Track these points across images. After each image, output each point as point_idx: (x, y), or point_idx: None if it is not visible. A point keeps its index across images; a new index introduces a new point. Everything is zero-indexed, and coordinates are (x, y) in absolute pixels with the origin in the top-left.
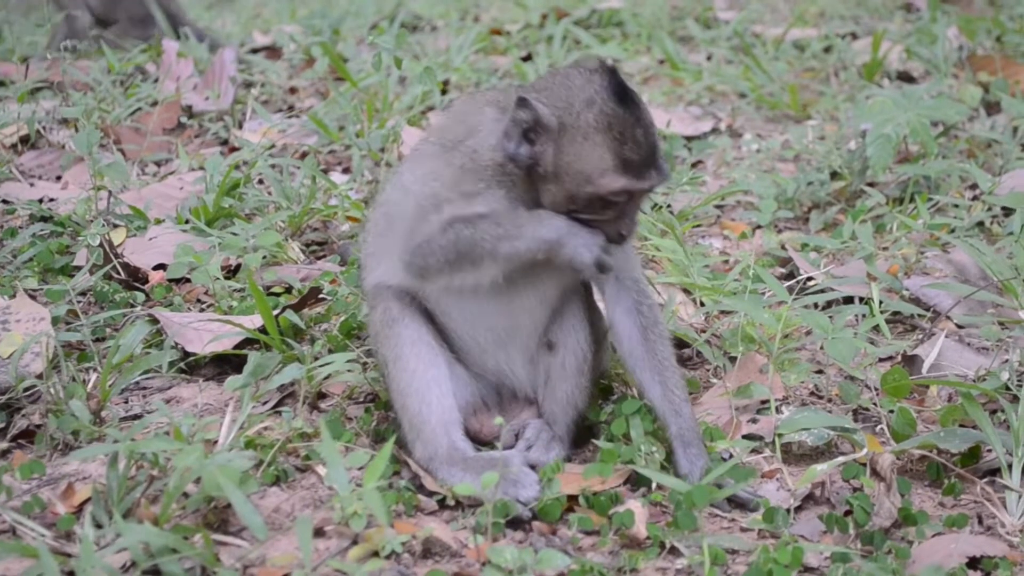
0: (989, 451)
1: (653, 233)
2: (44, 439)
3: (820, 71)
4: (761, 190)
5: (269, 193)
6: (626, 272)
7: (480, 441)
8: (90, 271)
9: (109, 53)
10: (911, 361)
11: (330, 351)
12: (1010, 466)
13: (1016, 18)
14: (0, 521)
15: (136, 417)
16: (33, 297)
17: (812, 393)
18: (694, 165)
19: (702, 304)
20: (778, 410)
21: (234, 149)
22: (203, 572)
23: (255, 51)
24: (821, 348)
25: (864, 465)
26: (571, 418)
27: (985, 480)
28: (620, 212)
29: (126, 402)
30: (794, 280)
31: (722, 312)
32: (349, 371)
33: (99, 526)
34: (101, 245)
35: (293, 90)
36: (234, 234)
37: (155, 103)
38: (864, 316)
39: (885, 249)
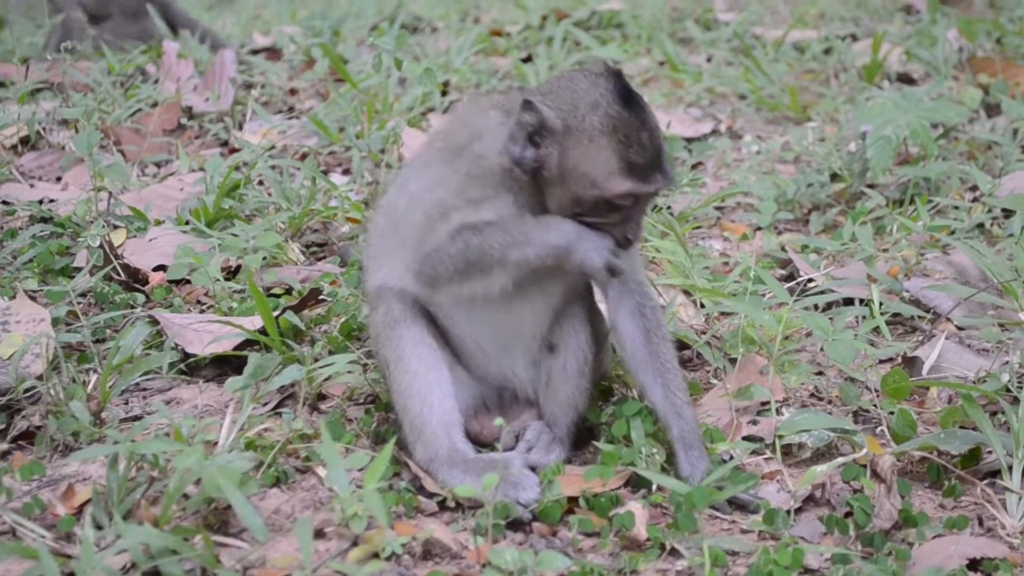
0: (989, 453)
1: (653, 235)
2: (44, 440)
3: (820, 73)
4: (761, 192)
5: (269, 194)
6: (630, 274)
7: (480, 443)
8: (90, 272)
9: (109, 54)
10: (911, 363)
11: (330, 352)
12: (1010, 468)
13: (1016, 20)
14: (0, 522)
15: (136, 418)
16: (33, 298)
17: (812, 395)
18: (694, 167)
19: (702, 306)
20: (778, 412)
21: (234, 150)
22: (203, 573)
23: (255, 52)
24: (821, 350)
25: (864, 467)
26: (572, 420)
27: (985, 482)
28: (625, 216)
29: (126, 403)
30: (794, 282)
31: (722, 314)
32: (349, 372)
33: (99, 527)
34: (101, 246)
35: (293, 91)
36: (234, 235)
37: (155, 104)
38: (864, 318)
39: (885, 251)
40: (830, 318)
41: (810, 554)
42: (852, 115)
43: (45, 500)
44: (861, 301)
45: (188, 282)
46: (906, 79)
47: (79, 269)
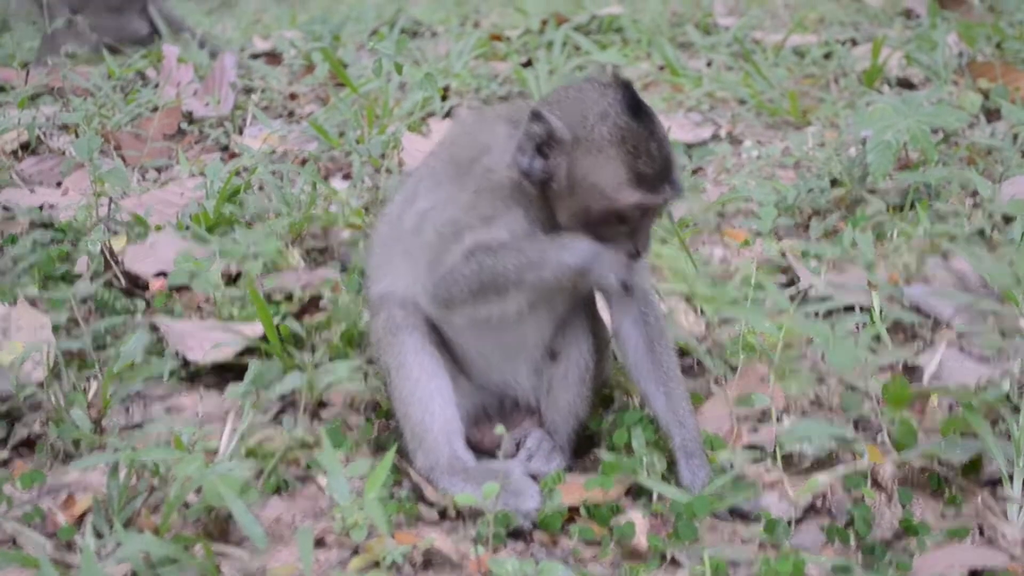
0: (990, 462)
1: (654, 241)
2: (45, 448)
3: (820, 77)
4: (761, 197)
5: (269, 199)
6: (635, 283)
7: (481, 451)
8: (91, 278)
9: (109, 59)
10: (912, 370)
11: (331, 359)
12: (1011, 476)
13: (1016, 24)
14: (0, 531)
15: (137, 426)
16: (33, 304)
17: (813, 402)
18: (694, 172)
19: (703, 312)
20: (779, 420)
21: (234, 155)
22: None
23: (255, 56)
24: (822, 357)
25: (865, 475)
26: (572, 428)
27: (986, 491)
28: (634, 227)
29: (127, 411)
30: (795, 288)
31: (723, 321)
32: (350, 380)
33: (100, 536)
34: (102, 252)
35: (293, 96)
36: (235, 241)
37: (155, 109)
38: (865, 325)
39: (886, 257)
40: (831, 325)
41: (811, 563)
42: (852, 120)
43: (45, 508)
44: (862, 308)
45: (189, 288)
46: (906, 84)
47: (79, 275)
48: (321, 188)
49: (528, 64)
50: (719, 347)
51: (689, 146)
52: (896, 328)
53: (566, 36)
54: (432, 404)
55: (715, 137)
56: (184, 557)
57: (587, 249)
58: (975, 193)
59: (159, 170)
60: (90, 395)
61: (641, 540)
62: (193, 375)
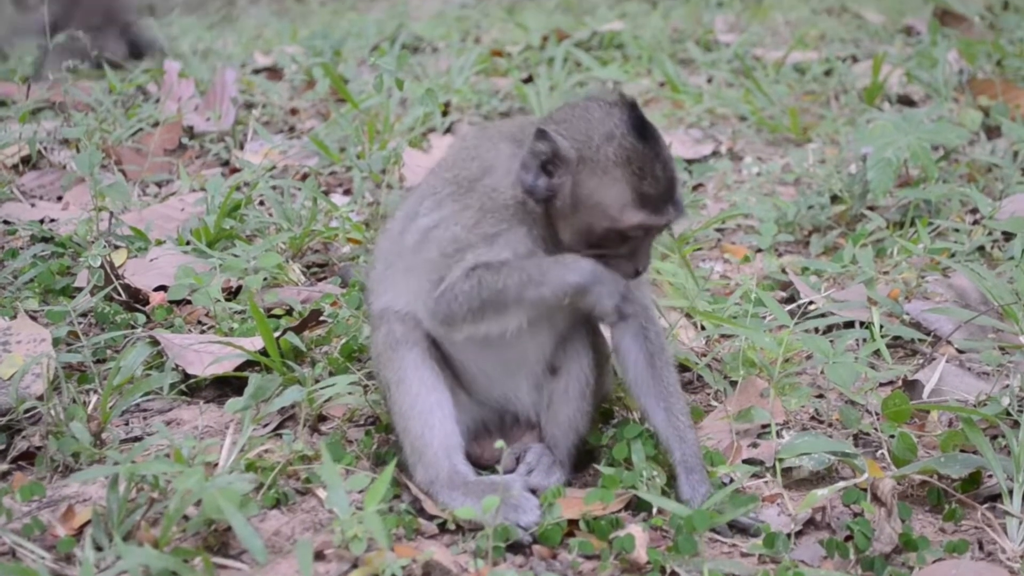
0: (990, 477)
1: (653, 256)
2: (44, 461)
3: (821, 94)
4: (762, 213)
5: (270, 214)
6: (635, 298)
7: (481, 465)
8: (91, 292)
9: (110, 74)
10: (912, 386)
11: (331, 373)
12: (1011, 492)
13: (1016, 42)
14: (0, 543)
15: (136, 439)
16: (34, 318)
17: (813, 418)
18: (695, 188)
19: (703, 328)
20: (779, 434)
21: (235, 170)
22: None
23: (256, 72)
24: (822, 372)
25: (865, 490)
26: (572, 442)
27: (986, 506)
28: (635, 246)
29: (127, 424)
30: (795, 304)
31: (723, 336)
32: (350, 394)
33: (99, 548)
34: (102, 266)
35: (294, 111)
36: (235, 255)
37: (156, 124)
38: (865, 340)
39: (886, 273)
40: (831, 341)
41: None
42: (852, 137)
43: (45, 521)
44: (862, 324)
45: (189, 302)
46: (906, 101)
47: (80, 289)
48: (322, 203)
49: (529, 80)
50: (719, 362)
51: (690, 162)
52: (896, 344)
53: (567, 52)
54: (432, 418)
55: (716, 153)
56: (184, 570)
57: (588, 269)
58: (975, 210)
59: (160, 185)
60: (90, 408)
61: (641, 554)
62: (193, 389)
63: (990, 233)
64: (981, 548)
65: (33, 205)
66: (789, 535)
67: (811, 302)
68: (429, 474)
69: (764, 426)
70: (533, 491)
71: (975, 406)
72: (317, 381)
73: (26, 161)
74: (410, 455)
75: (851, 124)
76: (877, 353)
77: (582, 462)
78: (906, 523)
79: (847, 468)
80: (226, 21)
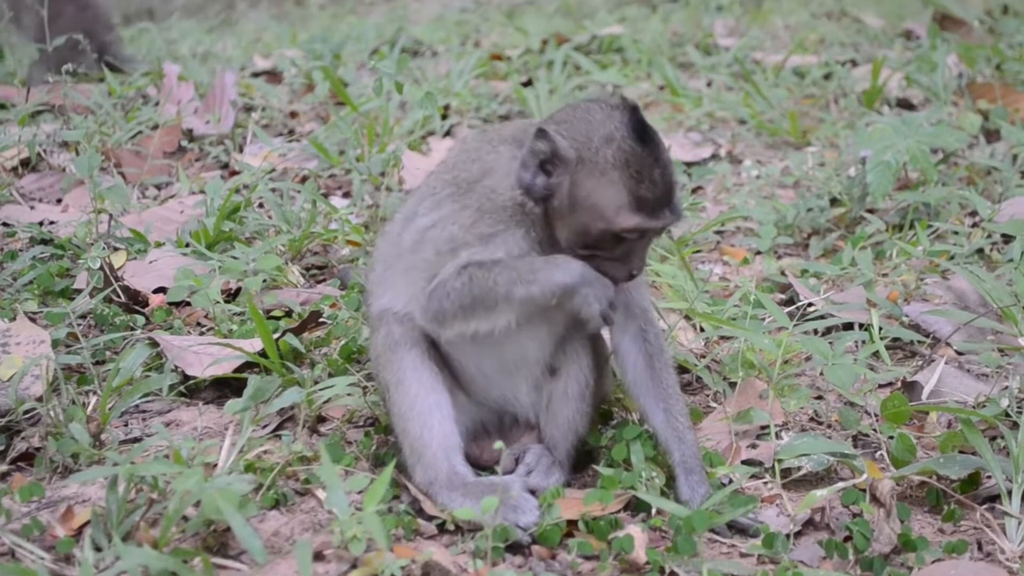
0: (989, 477)
1: (653, 258)
2: (44, 462)
3: (820, 98)
4: (761, 216)
5: (269, 217)
6: (634, 300)
7: (480, 466)
8: (90, 294)
9: (110, 77)
10: (911, 387)
11: (330, 375)
12: (1010, 492)
13: (1015, 46)
14: (0, 543)
15: (136, 440)
16: (33, 320)
17: (812, 419)
18: (694, 191)
19: (702, 329)
20: (778, 436)
21: (234, 173)
22: None
23: (256, 75)
24: (821, 374)
25: (864, 491)
26: (572, 443)
27: (985, 506)
28: (630, 248)
29: (126, 425)
30: (794, 306)
31: (722, 337)
32: (349, 395)
33: (98, 549)
34: (101, 268)
35: (294, 114)
36: (234, 257)
37: (156, 126)
38: (864, 342)
39: (885, 275)
40: (830, 343)
41: None
42: (852, 140)
43: (44, 521)
44: (861, 326)
45: (188, 304)
46: (906, 104)
47: (79, 291)
48: (321, 206)
49: (528, 84)
50: (718, 364)
51: (689, 165)
52: (895, 346)
53: (566, 56)
54: (431, 419)
55: (715, 156)
56: (183, 571)
57: (578, 271)
58: (974, 213)
59: (159, 187)
60: (89, 409)
61: (640, 554)
62: (192, 390)
63: (989, 236)
64: (980, 549)
65: (32, 207)
66: (788, 536)
67: (810, 304)
68: (428, 475)
69: (763, 427)
70: (532, 492)
71: (974, 407)
72: (316, 382)
73: (25, 164)
74: (409, 456)
75: (850, 127)
76: (876, 355)
77: (581, 463)
78: (905, 524)
79: (846, 469)
80: (225, 25)
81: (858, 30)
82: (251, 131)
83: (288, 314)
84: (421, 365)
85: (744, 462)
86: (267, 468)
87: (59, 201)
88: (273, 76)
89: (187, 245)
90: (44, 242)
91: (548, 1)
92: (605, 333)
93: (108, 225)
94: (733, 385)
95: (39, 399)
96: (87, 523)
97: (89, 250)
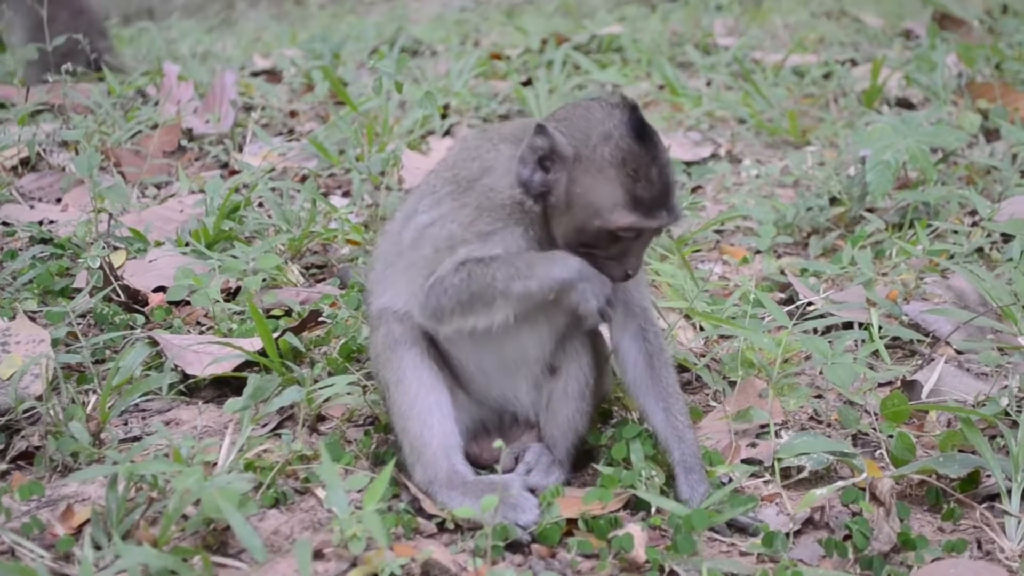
0: (988, 476)
1: (653, 258)
2: (43, 460)
3: (819, 97)
4: (760, 215)
5: (269, 216)
6: (634, 299)
7: (480, 465)
8: (90, 293)
9: (110, 76)
10: (910, 386)
11: (330, 374)
12: (1009, 491)
13: (1015, 46)
14: None
15: (135, 439)
16: (33, 319)
17: (811, 418)
18: (694, 190)
19: (702, 328)
20: (777, 435)
21: (234, 172)
22: None
23: (255, 74)
24: (820, 373)
25: (863, 490)
26: (571, 442)
27: (984, 505)
28: (627, 248)
29: (125, 424)
30: (793, 305)
31: (722, 337)
32: (349, 394)
33: (98, 548)
34: (101, 267)
35: (293, 113)
36: (234, 257)
37: (155, 126)
38: (863, 341)
39: (884, 275)
40: (829, 342)
41: None
42: (851, 139)
43: (44, 520)
44: (860, 325)
45: (188, 303)
46: (905, 104)
47: (79, 290)
48: (321, 205)
49: (528, 83)
50: (718, 363)
51: (688, 164)
52: (895, 345)
53: (566, 55)
54: (431, 418)
55: (714, 156)
56: (182, 569)
57: (575, 266)
58: (974, 212)
59: (159, 187)
60: (89, 408)
61: (639, 553)
62: (192, 389)
63: (989, 235)
64: (980, 547)
65: (32, 207)
66: (788, 534)
67: (810, 303)
68: (428, 474)
69: (763, 426)
70: (532, 490)
71: (974, 406)
72: (316, 381)
73: (25, 163)
74: (409, 455)
75: (850, 127)
76: (876, 354)
77: (581, 462)
78: (905, 522)
79: (846, 468)
80: (225, 24)
81: (858, 29)
82: (251, 130)
83: (288, 313)
84: (421, 364)
85: (744, 461)
86: (267, 467)
87: (59, 200)
88: (273, 75)
89: (187, 244)
90: (44, 241)
91: (547, 0)
92: (605, 332)
93: (108, 224)
94: (733, 384)
95: (39, 398)
96: (87, 522)
97: (89, 249)
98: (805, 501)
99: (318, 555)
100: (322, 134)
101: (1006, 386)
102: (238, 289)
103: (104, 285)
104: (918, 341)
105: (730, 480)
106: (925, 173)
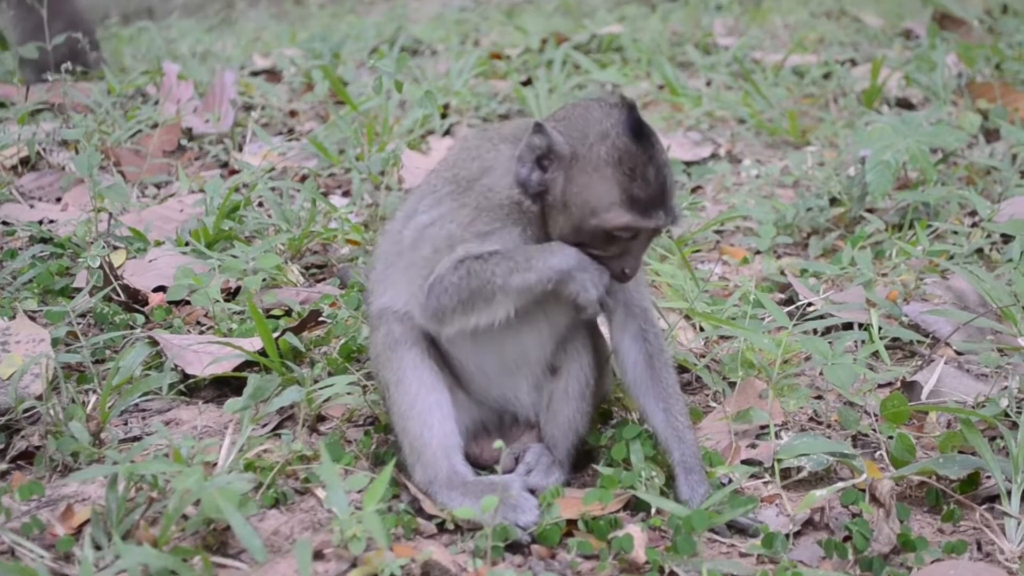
0: (988, 478)
1: (653, 258)
2: (43, 460)
3: (819, 97)
4: (760, 215)
5: (269, 216)
6: (634, 299)
7: (480, 465)
8: (90, 293)
9: (110, 75)
10: (910, 387)
11: (330, 374)
12: (1009, 493)
13: (1015, 46)
14: None
15: (135, 439)
16: (33, 318)
17: (811, 419)
18: (693, 190)
19: (702, 329)
20: (777, 435)
21: (234, 172)
22: None
23: (255, 74)
24: (820, 374)
25: (863, 491)
26: (572, 442)
27: (984, 507)
28: (625, 249)
29: (125, 424)
30: (793, 306)
31: (722, 337)
32: (349, 394)
33: (98, 548)
34: (101, 267)
35: (293, 113)
36: (234, 256)
37: (155, 125)
38: (863, 342)
39: (884, 275)
40: (829, 342)
41: None
42: (851, 140)
43: (44, 520)
44: (860, 325)
45: (188, 303)
46: (905, 104)
47: (79, 289)
48: (321, 205)
49: (528, 83)
50: (718, 363)
51: (688, 164)
52: (894, 345)
53: (566, 55)
54: (431, 418)
55: (714, 156)
56: (182, 569)
57: (572, 256)
58: (974, 212)
59: (159, 186)
60: (89, 408)
61: (639, 554)
62: (192, 389)
63: (988, 235)
64: (979, 549)
65: (32, 206)
66: (788, 535)
67: (810, 304)
68: (428, 474)
69: (763, 427)
70: (532, 491)
71: (973, 407)
72: (316, 381)
73: (25, 162)
74: (409, 455)
75: (850, 127)
76: (876, 354)
77: (581, 462)
78: (904, 524)
79: (846, 469)
80: (225, 24)
81: (857, 29)
82: (251, 130)
83: (288, 313)
84: (421, 364)
85: (744, 462)
86: (267, 467)
87: (59, 200)
88: (272, 75)
89: (187, 244)
90: (44, 241)
91: (547, 0)
92: (605, 332)
93: (108, 224)
94: (733, 385)
95: (39, 398)
96: (87, 522)
97: (89, 249)
98: (805, 502)
99: (318, 555)
100: (322, 134)
101: (1006, 387)
102: (238, 289)
103: (104, 285)
104: (918, 342)
105: (730, 481)
106: (925, 173)
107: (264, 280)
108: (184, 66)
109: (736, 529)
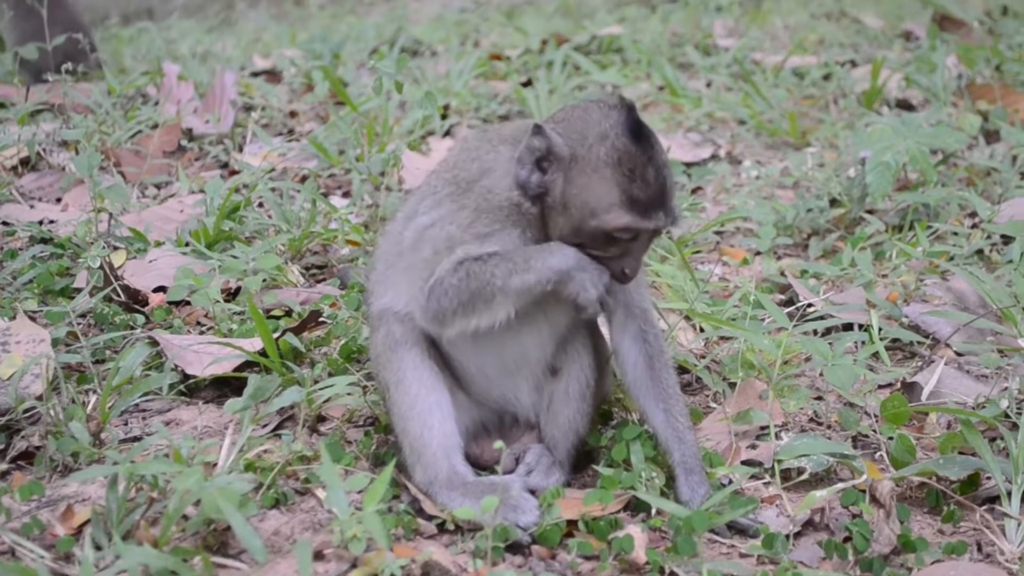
0: (988, 479)
1: (653, 259)
2: (44, 460)
3: (819, 98)
4: (760, 216)
5: (269, 216)
6: (634, 300)
7: (480, 466)
8: (90, 293)
9: (110, 76)
10: (910, 388)
11: (330, 374)
12: (1009, 494)
13: (1015, 47)
14: (0, 542)
15: (136, 439)
16: (33, 319)
17: (811, 419)
18: (693, 191)
19: (702, 330)
20: (777, 436)
21: (234, 172)
22: None
23: (255, 74)
24: (820, 375)
25: (863, 492)
26: (572, 443)
27: (984, 508)
28: (625, 250)
29: (126, 424)
30: (794, 307)
31: (722, 338)
32: (349, 394)
33: (98, 548)
34: (101, 267)
35: (293, 114)
36: (234, 257)
37: (155, 126)
38: (863, 343)
39: (884, 276)
40: (829, 343)
41: None
42: (851, 141)
43: (44, 520)
44: (860, 326)
45: (188, 303)
46: (905, 105)
47: (79, 290)
48: (321, 205)
49: (528, 84)
50: (718, 364)
51: (688, 165)
52: (895, 346)
53: (566, 56)
54: (431, 419)
55: (714, 157)
56: (183, 570)
57: (572, 256)
58: (974, 214)
59: (159, 187)
60: (89, 408)
61: (640, 554)
62: (192, 389)
63: (989, 236)
64: (980, 550)
65: (32, 206)
66: (788, 536)
67: (810, 305)
68: (428, 474)
69: (763, 428)
70: (532, 492)
71: (974, 408)
72: (316, 382)
73: (25, 163)
74: (409, 455)
75: (850, 128)
76: (876, 355)
77: (581, 463)
78: (905, 524)
79: (846, 470)
80: (225, 24)
81: (857, 31)
82: (251, 130)
83: (288, 313)
84: (421, 364)
85: (744, 462)
86: (267, 467)
87: (59, 200)
88: (273, 76)
89: (187, 244)
90: (44, 241)
91: (547, 1)
92: (605, 333)
93: (108, 224)
94: (733, 385)
95: (39, 398)
96: (87, 522)
97: (89, 249)
98: (805, 503)
99: (318, 556)
100: (322, 134)
101: (1006, 388)
102: (238, 289)
103: (104, 285)
104: (918, 343)
105: (730, 482)
106: (925, 175)
107: (264, 281)
108: (184, 67)
109: (736, 530)
